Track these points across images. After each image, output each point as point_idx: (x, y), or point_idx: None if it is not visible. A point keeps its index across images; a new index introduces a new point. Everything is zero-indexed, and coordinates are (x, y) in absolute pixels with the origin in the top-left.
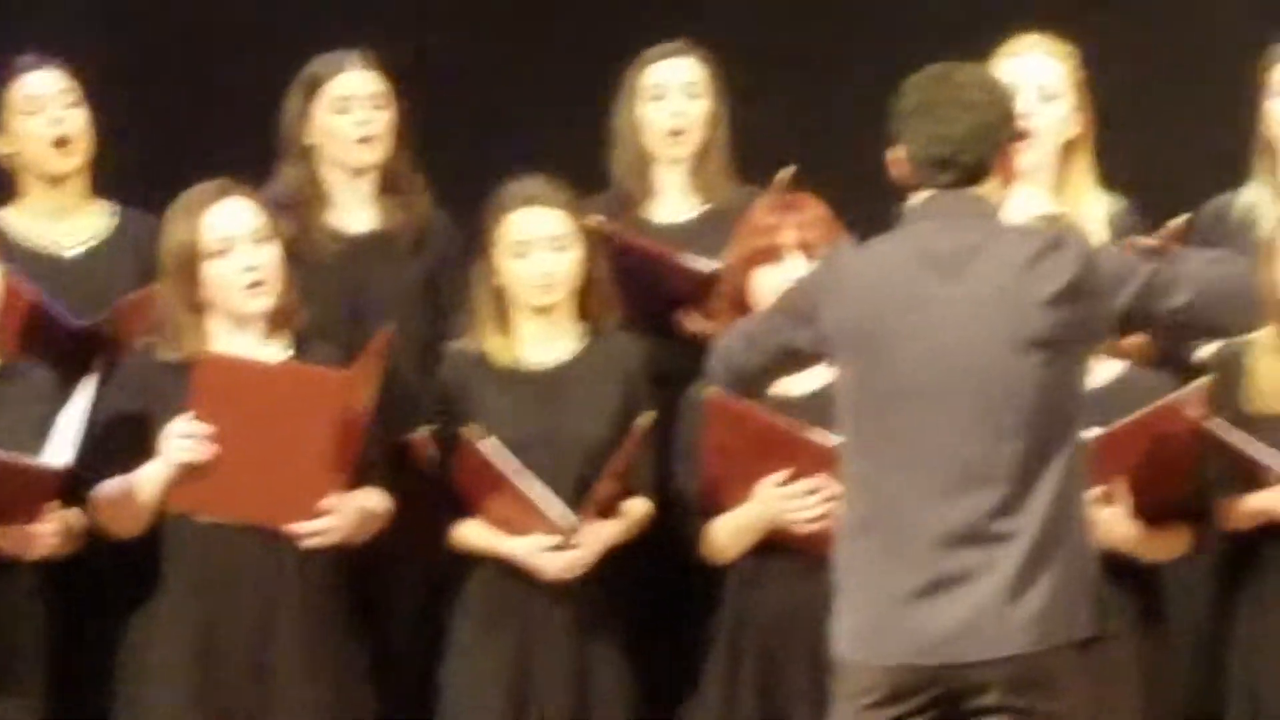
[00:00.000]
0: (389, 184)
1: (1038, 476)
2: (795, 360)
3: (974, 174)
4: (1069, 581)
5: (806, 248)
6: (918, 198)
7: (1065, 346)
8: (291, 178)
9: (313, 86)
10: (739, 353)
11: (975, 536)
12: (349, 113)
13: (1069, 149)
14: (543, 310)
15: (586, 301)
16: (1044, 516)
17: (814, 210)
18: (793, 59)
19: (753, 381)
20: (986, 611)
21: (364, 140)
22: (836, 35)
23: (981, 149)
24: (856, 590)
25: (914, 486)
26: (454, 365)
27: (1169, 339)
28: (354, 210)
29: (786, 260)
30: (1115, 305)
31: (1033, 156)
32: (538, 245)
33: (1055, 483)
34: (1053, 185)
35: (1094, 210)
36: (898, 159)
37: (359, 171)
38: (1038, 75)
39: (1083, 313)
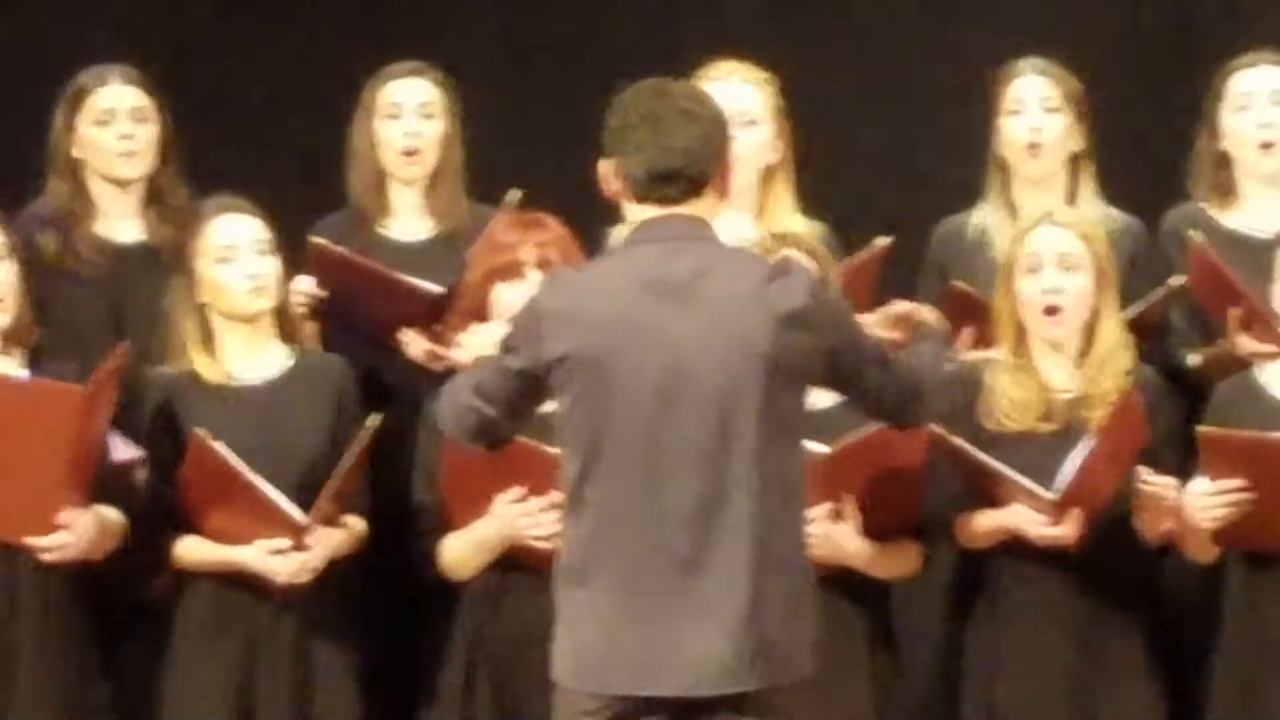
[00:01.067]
0: (154, 197)
1: (767, 507)
2: (525, 398)
3: (698, 186)
4: (793, 616)
5: (545, 265)
6: (636, 216)
7: (792, 373)
8: (58, 191)
9: (77, 100)
10: (477, 411)
11: (703, 567)
12: (111, 125)
13: (769, 174)
14: (249, 320)
15: (285, 318)
16: (772, 548)
17: (554, 229)
18: (527, 82)
19: (505, 435)
20: (714, 644)
21: (126, 154)
22: (568, 59)
23: (705, 160)
24: (581, 617)
25: (642, 515)
26: (162, 387)
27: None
28: (120, 222)
29: (526, 277)
30: (826, 345)
31: (734, 181)
32: (242, 250)
33: (783, 513)
34: (754, 210)
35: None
36: (612, 175)
37: (123, 184)
38: (736, 102)
39: (806, 343)
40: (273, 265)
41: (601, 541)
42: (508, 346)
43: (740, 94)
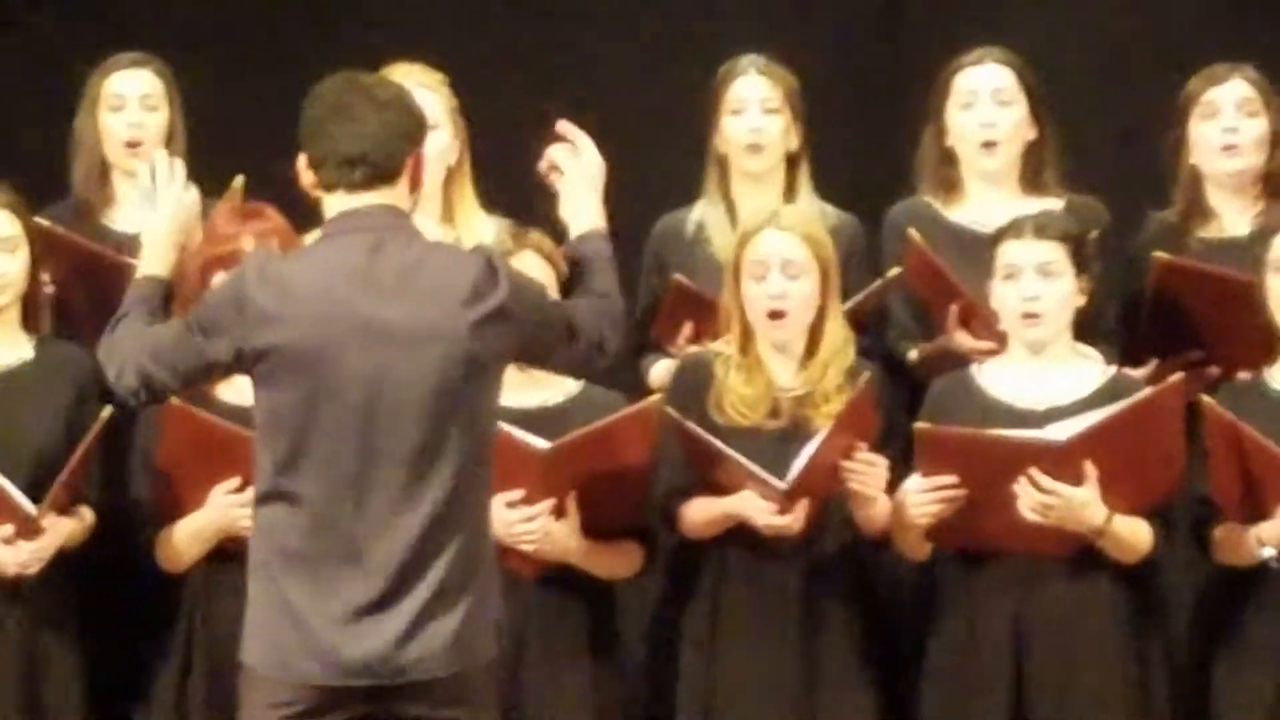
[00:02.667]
0: None
1: (465, 500)
2: (209, 376)
3: (386, 174)
4: (481, 605)
5: None
6: (334, 208)
7: (493, 366)
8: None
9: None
10: (149, 374)
11: (397, 558)
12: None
13: (450, 177)
14: None
15: (28, 308)
16: (466, 538)
17: (273, 219)
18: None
19: (163, 397)
20: (405, 633)
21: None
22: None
23: (393, 148)
24: (276, 606)
25: (343, 507)
26: None
27: None
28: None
29: None
30: (523, 333)
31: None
32: None
33: (477, 506)
34: (438, 213)
35: (480, 231)
36: (304, 167)
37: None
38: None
39: (507, 335)
40: (12, 264)
41: (299, 532)
42: (204, 328)
43: (417, 98)
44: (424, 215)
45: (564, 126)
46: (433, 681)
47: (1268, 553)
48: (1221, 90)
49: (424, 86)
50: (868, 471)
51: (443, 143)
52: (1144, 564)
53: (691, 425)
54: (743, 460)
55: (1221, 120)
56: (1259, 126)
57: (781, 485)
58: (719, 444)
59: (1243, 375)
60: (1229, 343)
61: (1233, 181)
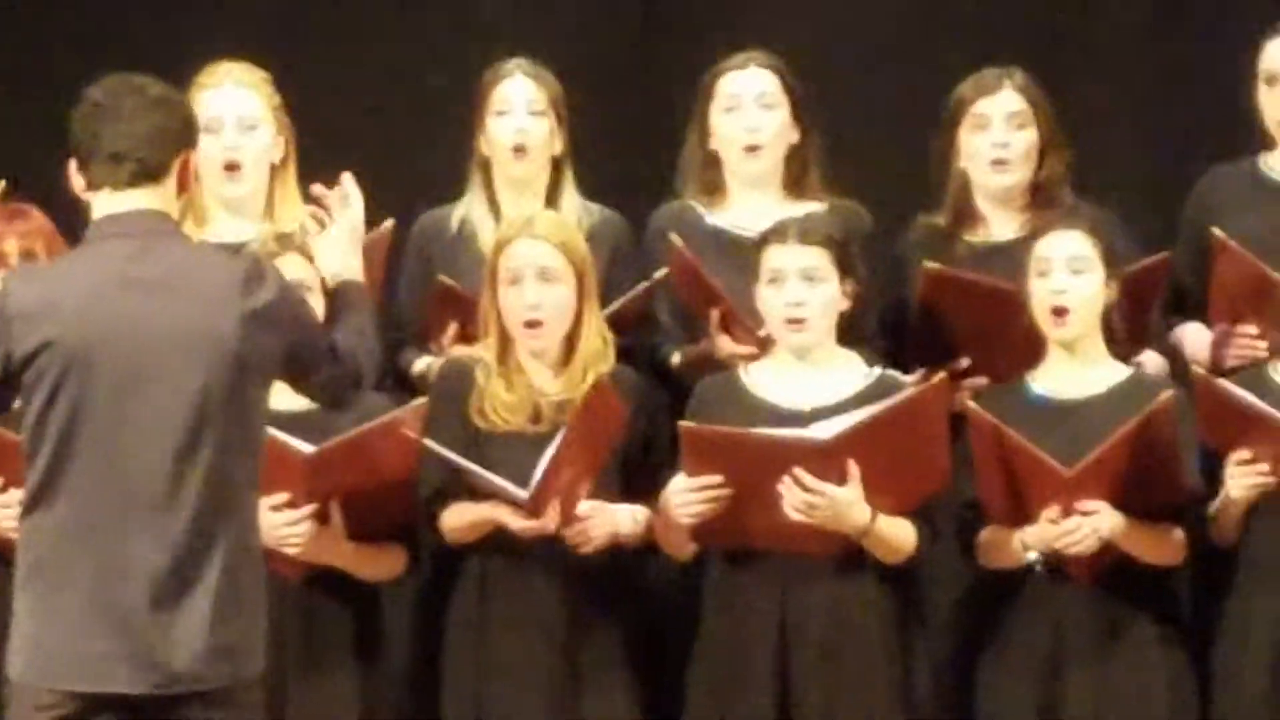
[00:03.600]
0: None
1: (231, 505)
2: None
3: (152, 172)
4: (252, 613)
5: (29, 256)
6: (101, 210)
7: (258, 371)
8: None
9: None
10: None
11: (167, 564)
12: None
13: (274, 174)
14: None
15: None
16: (233, 544)
17: (37, 220)
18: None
19: None
20: (177, 642)
21: None
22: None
23: (161, 147)
24: (43, 613)
25: (111, 512)
26: None
27: None
28: None
29: (11, 268)
30: (287, 342)
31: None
32: None
33: (244, 511)
34: (259, 211)
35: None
36: (74, 170)
37: None
38: (236, 106)
39: (271, 341)
40: None
41: (68, 537)
42: None
43: (237, 97)
44: (247, 213)
45: (346, 180)
46: (204, 693)
47: (1032, 556)
48: (992, 102)
49: (245, 85)
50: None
51: (265, 140)
52: (908, 564)
53: (430, 444)
54: (482, 472)
55: (991, 134)
56: (1028, 139)
57: (523, 495)
58: (459, 460)
59: (1006, 380)
60: (996, 351)
61: (1001, 193)
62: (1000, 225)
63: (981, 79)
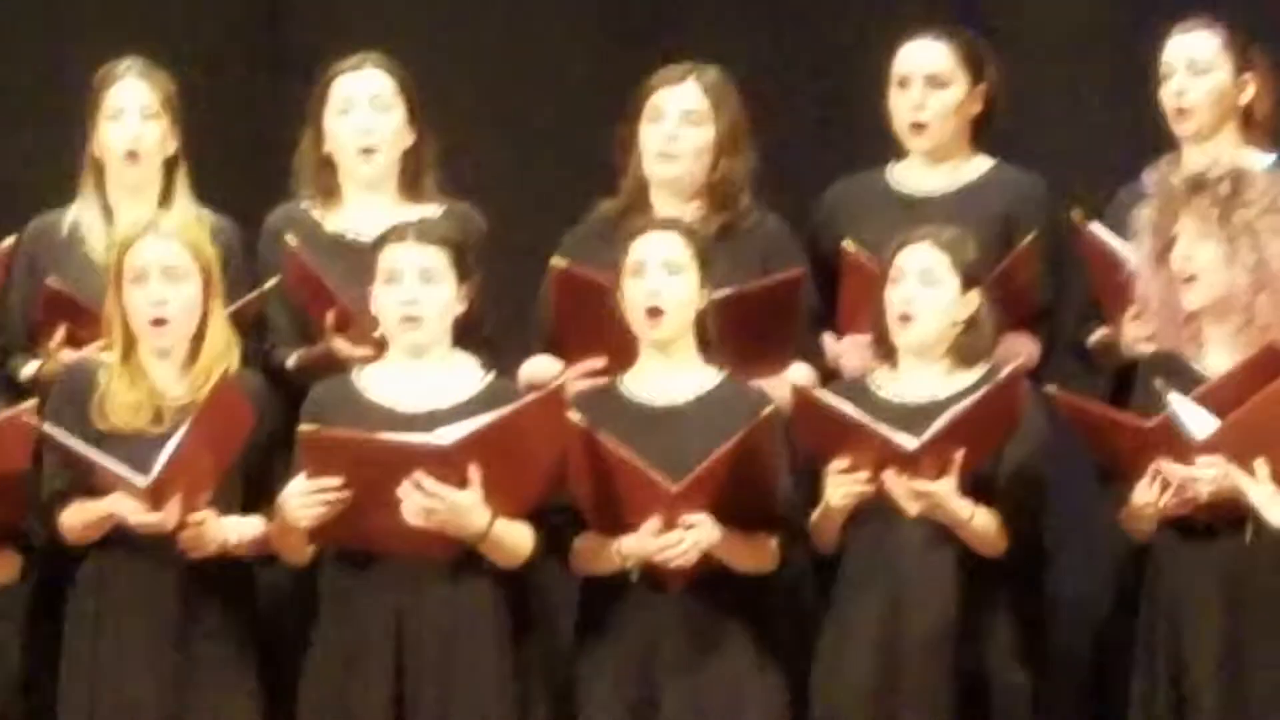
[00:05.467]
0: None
1: None
2: None
3: None
4: None
5: None
6: None
7: None
8: None
9: None
10: None
11: None
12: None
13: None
14: None
15: None
16: None
17: None
18: None
19: None
20: None
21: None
22: None
23: None
24: None
25: None
26: None
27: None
28: None
29: None
30: None
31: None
32: None
33: None
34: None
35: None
36: None
37: None
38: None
39: None
40: None
41: None
42: None
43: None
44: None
45: None
46: None
47: (630, 565)
48: (669, 95)
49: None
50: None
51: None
52: (524, 569)
53: (51, 431)
54: (102, 458)
55: (664, 126)
56: (700, 136)
57: (143, 481)
58: (77, 444)
59: (600, 382)
60: (617, 350)
61: (669, 186)
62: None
63: (668, 71)
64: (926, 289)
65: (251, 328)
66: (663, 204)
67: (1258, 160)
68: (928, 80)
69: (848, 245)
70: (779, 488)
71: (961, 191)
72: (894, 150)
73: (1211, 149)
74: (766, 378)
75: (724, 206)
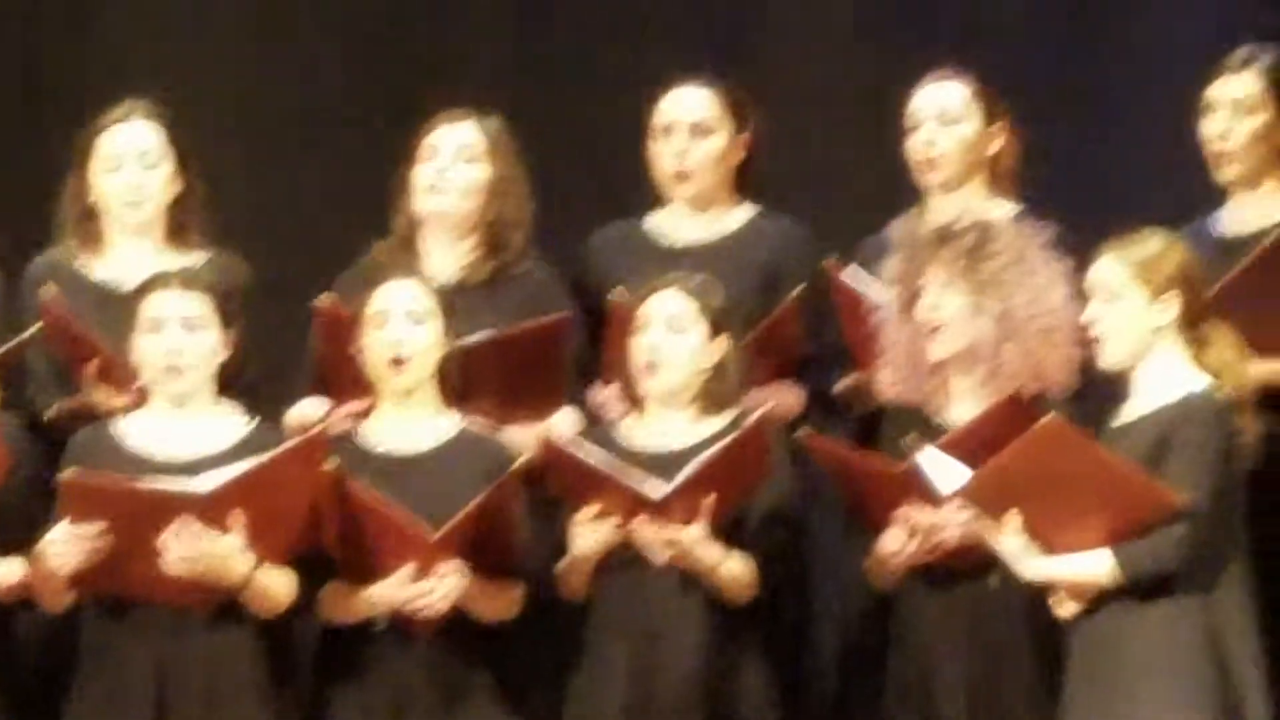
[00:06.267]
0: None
1: None
2: None
3: None
4: None
5: None
6: None
7: None
8: None
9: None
10: None
11: None
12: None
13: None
14: None
15: None
16: None
17: None
18: None
19: None
20: None
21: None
22: None
23: None
24: None
25: None
26: None
27: None
28: None
29: None
30: None
31: None
32: None
33: None
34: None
35: None
36: None
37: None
38: None
39: None
40: None
41: None
42: None
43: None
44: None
45: None
46: None
47: (379, 613)
48: (446, 132)
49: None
50: None
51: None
52: (284, 617)
53: None
54: None
55: (437, 161)
56: (474, 172)
57: None
58: None
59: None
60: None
61: (440, 222)
62: (442, 261)
63: (450, 112)
64: (674, 335)
65: (13, 377)
66: (434, 243)
67: (1004, 211)
68: (692, 129)
69: (617, 295)
70: (518, 537)
71: (723, 240)
72: (654, 199)
73: (959, 199)
74: (532, 422)
75: (496, 249)
